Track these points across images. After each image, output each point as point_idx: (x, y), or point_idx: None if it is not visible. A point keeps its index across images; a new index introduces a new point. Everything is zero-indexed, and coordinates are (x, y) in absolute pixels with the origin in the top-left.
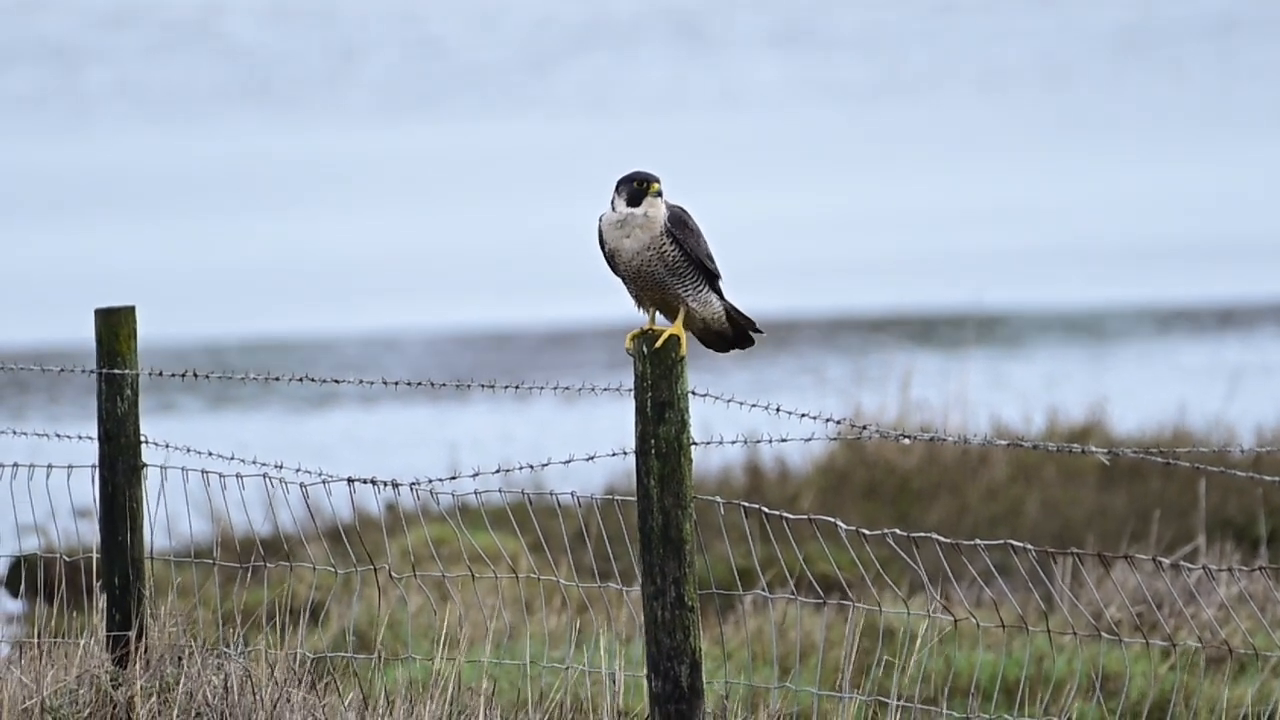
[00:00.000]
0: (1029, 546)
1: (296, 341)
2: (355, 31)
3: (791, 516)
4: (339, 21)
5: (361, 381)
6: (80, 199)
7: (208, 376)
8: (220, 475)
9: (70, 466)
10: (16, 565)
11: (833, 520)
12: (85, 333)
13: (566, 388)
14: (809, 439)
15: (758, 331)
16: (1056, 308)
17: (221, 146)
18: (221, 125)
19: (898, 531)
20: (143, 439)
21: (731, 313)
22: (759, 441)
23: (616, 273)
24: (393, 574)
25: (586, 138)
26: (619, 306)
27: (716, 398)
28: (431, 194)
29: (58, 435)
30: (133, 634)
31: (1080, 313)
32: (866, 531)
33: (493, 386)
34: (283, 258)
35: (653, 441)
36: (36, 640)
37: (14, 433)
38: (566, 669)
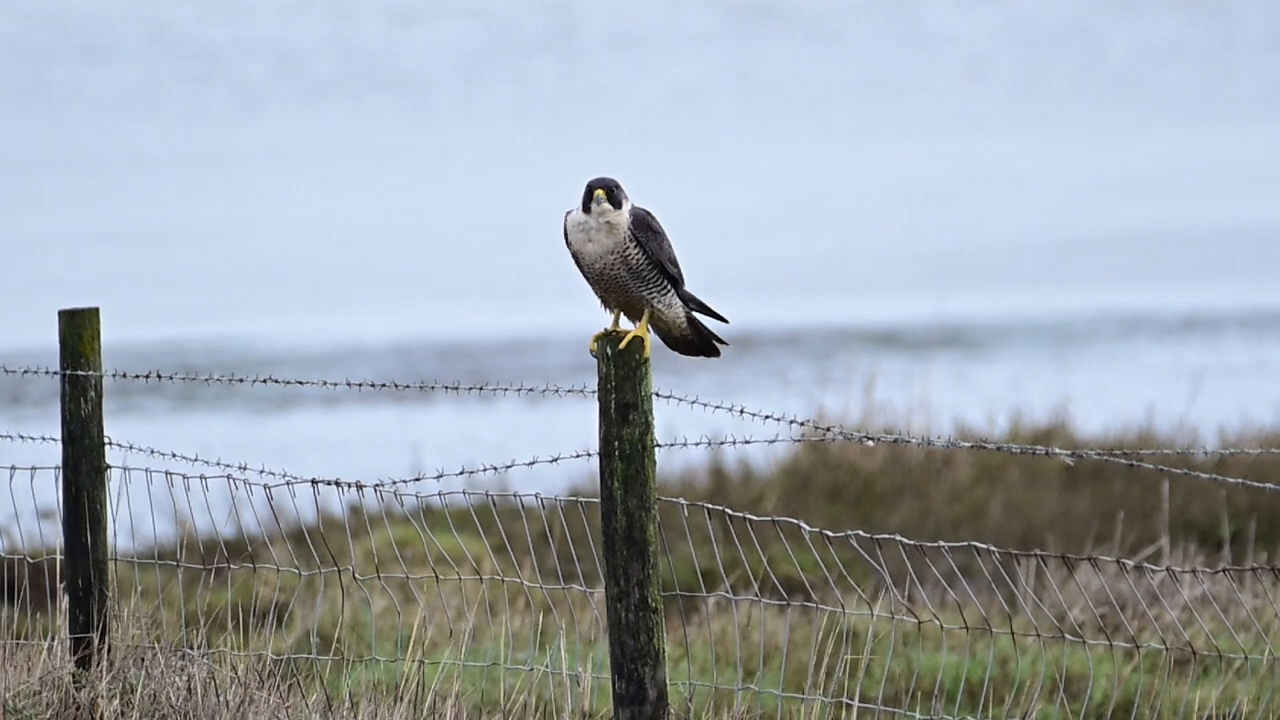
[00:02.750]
0: (992, 548)
1: (258, 344)
2: (305, 29)
3: (755, 518)
4: (288, 13)
5: (325, 383)
6: (44, 194)
7: (171, 378)
8: (184, 476)
9: (34, 468)
10: None
11: (796, 522)
12: (49, 334)
13: (530, 389)
14: (773, 441)
15: (722, 343)
16: (1020, 311)
17: (184, 141)
18: (181, 119)
19: (861, 533)
20: (106, 440)
21: (696, 320)
22: (723, 443)
23: (582, 273)
24: (356, 576)
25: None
26: (585, 313)
27: (680, 399)
28: (413, 192)
29: (21, 436)
30: (96, 635)
31: (1045, 315)
32: (830, 533)
33: (456, 388)
34: (247, 259)
35: (616, 443)
36: None
37: None
38: (530, 670)
